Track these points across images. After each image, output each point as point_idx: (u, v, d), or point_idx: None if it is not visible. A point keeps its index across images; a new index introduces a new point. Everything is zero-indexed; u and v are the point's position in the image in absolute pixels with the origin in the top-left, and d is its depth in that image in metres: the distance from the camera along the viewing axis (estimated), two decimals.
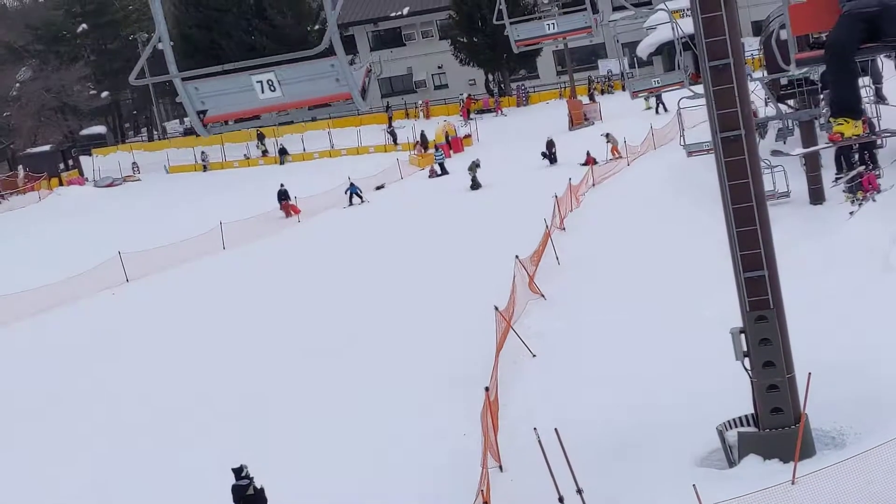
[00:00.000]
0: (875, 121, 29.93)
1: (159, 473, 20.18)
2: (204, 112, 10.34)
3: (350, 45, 76.84)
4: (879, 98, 31.91)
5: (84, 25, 77.89)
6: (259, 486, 16.04)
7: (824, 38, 12.22)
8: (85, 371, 27.73)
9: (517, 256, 27.29)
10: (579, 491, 14.14)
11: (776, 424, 15.79)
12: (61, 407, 25.10)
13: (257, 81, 9.80)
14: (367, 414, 21.49)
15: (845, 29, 10.49)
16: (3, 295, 34.11)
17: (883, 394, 16.93)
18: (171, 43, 10.27)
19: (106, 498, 19.71)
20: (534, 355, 23.18)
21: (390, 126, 67.74)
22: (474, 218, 38.82)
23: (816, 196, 33.06)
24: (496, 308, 23.37)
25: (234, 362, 26.22)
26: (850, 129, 11.02)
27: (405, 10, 76.57)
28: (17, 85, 70.60)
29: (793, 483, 14.73)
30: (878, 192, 29.17)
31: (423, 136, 57.62)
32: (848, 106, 10.98)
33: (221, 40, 71.58)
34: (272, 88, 9.74)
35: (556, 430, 14.37)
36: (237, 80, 10.10)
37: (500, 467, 17.57)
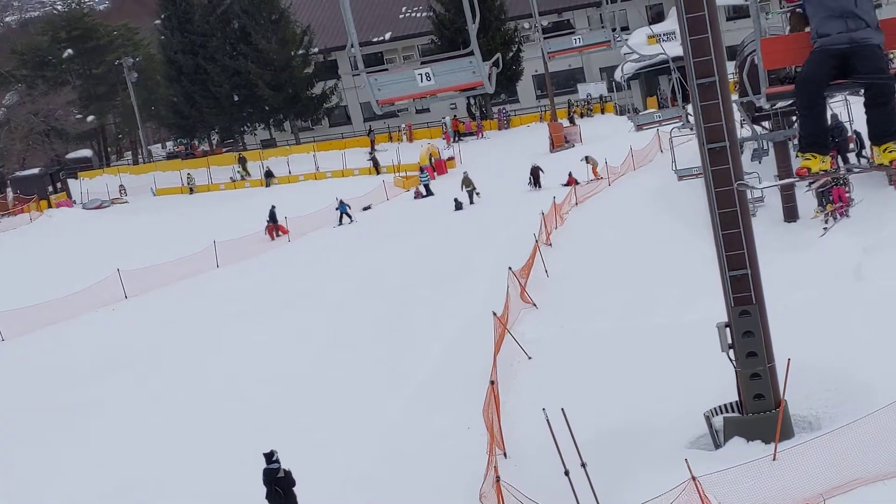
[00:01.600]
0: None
1: (174, 474, 21.44)
2: (378, 99, 13.07)
3: (332, 71, 78.30)
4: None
5: (70, 51, 79.05)
6: (287, 469, 17.38)
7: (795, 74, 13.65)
8: (95, 382, 28.75)
9: (510, 268, 28.75)
10: (583, 465, 15.57)
11: (758, 409, 17.37)
12: (76, 415, 26.22)
13: (418, 74, 12.85)
14: (374, 412, 22.90)
15: (816, 65, 10.42)
16: (5, 311, 35.21)
17: (853, 385, 18.56)
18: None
19: None
20: (529, 357, 24.65)
21: (372, 150, 69.23)
22: (463, 235, 40.18)
23: (791, 214, 34.61)
24: (494, 314, 24.86)
25: (242, 371, 27.44)
26: (818, 164, 10.81)
27: (387, 36, 78.07)
28: (4, 110, 71.69)
29: (774, 459, 16.29)
30: (849, 206, 30.81)
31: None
32: (816, 141, 10.85)
33: (207, 65, 73.04)
34: (428, 79, 12.77)
35: (562, 409, 15.79)
36: (403, 74, 13.12)
37: (505, 454, 18.96)
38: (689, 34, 16.13)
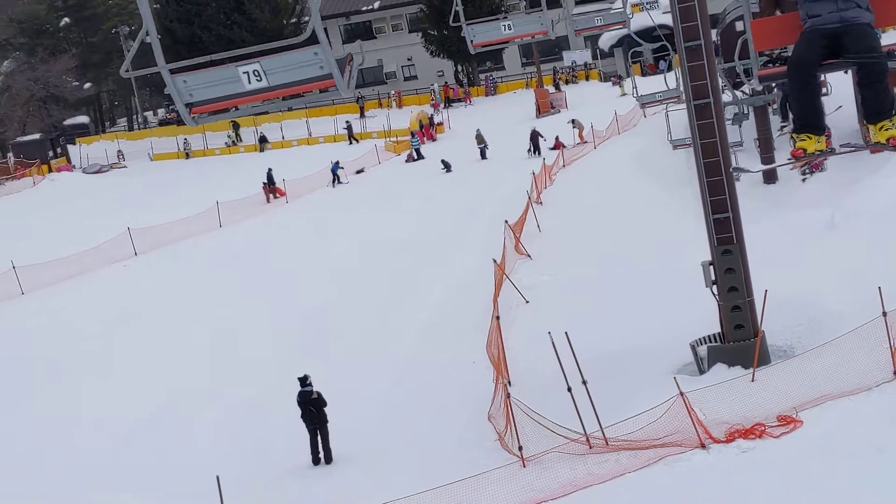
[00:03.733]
0: None
1: (184, 427, 22.99)
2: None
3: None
4: None
5: (66, 19, 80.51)
6: (318, 391, 19.40)
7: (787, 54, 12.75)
8: (112, 334, 30.49)
9: (506, 221, 30.75)
10: (584, 382, 17.56)
11: (739, 338, 19.46)
12: (99, 358, 28.10)
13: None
14: (383, 351, 24.93)
15: (807, 45, 10.27)
16: (26, 265, 37.01)
17: (823, 318, 20.62)
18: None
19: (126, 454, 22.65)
20: (527, 301, 26.69)
21: (362, 116, 71.01)
22: (457, 194, 42.15)
23: (770, 176, 36.54)
24: (494, 261, 26.89)
25: (254, 322, 29.23)
26: (813, 144, 10.69)
27: (376, 5, 79.69)
28: (2, 77, 73.02)
29: (752, 381, 18.39)
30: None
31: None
32: (810, 122, 10.67)
33: (202, 33, 74.55)
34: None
35: (566, 333, 17.78)
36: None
37: (509, 382, 20.96)
38: (678, 1, 18.07)
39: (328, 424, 19.45)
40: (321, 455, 19.44)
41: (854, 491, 14.34)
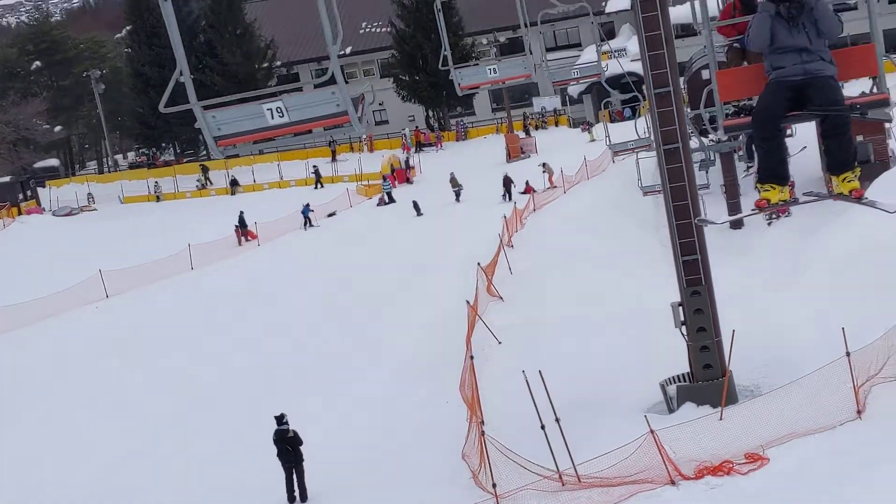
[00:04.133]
0: None
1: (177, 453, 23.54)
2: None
3: (296, 82, 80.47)
4: None
5: (38, 63, 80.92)
6: (294, 430, 19.67)
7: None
8: (87, 373, 30.61)
9: (479, 264, 31.19)
10: (557, 420, 17.93)
11: (707, 377, 19.91)
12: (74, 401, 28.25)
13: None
14: (356, 390, 25.25)
15: (772, 97, 10.42)
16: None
17: (790, 357, 21.13)
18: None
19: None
20: (499, 342, 27.05)
21: (334, 160, 71.54)
22: (429, 238, 42.55)
23: (736, 223, 37.19)
24: (467, 302, 27.28)
25: (227, 361, 29.47)
26: (777, 194, 10.86)
27: (348, 50, 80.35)
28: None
29: (720, 419, 18.80)
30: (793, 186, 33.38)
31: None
32: (774, 172, 10.81)
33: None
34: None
35: (539, 371, 18.16)
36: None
37: (482, 422, 21.24)
38: (648, 50, 18.66)
39: (303, 463, 19.68)
40: (296, 493, 19.68)
41: None
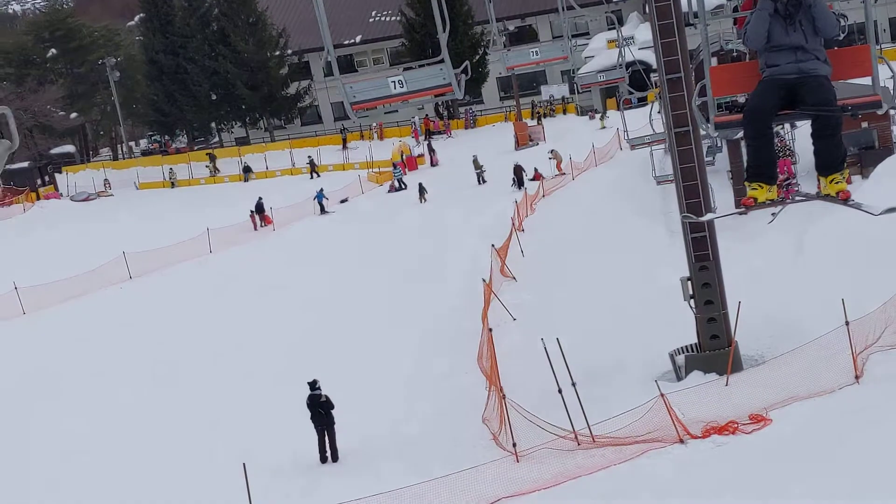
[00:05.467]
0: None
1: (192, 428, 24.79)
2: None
3: (306, 72, 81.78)
4: None
5: (53, 50, 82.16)
6: (327, 395, 20.92)
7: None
8: (116, 351, 31.84)
9: (493, 245, 32.40)
10: (573, 384, 19.16)
11: (714, 347, 21.15)
12: (102, 380, 29.35)
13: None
14: (384, 363, 26.40)
15: (764, 95, 10.32)
16: (27, 287, 38.45)
17: (793, 328, 22.30)
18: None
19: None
20: (514, 318, 28.27)
21: (344, 147, 72.77)
22: (442, 222, 43.77)
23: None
24: (483, 280, 28.49)
25: (261, 335, 30.71)
26: (764, 194, 10.78)
27: (358, 38, 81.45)
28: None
29: (726, 385, 20.04)
30: (794, 176, 34.23)
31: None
32: (763, 171, 10.74)
33: (187, 65, 76.35)
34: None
35: (557, 339, 19.37)
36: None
37: (501, 390, 22.46)
38: (661, 38, 19.83)
39: (335, 426, 20.94)
40: (328, 454, 20.93)
41: (819, 478, 15.90)
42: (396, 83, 13.65)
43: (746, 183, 10.84)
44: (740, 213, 11.74)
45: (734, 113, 10.90)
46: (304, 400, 21.08)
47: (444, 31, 13.26)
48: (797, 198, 12.57)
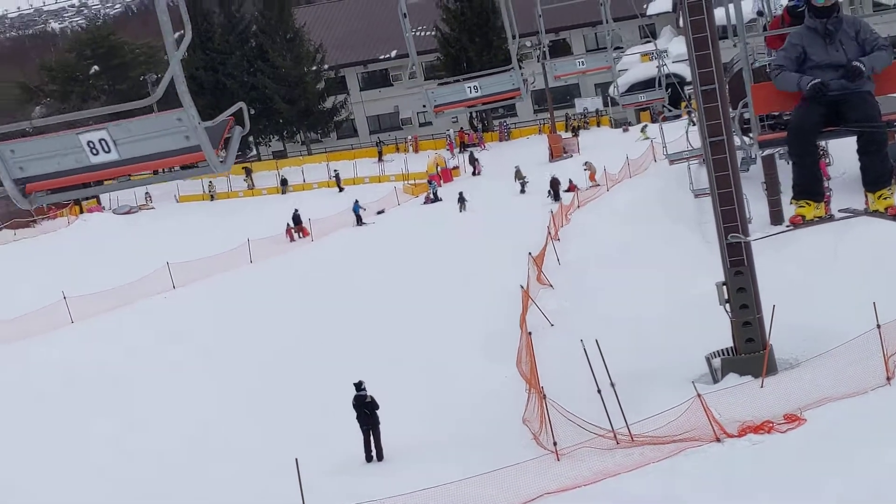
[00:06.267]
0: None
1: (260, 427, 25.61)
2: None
3: (342, 86, 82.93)
4: None
5: (96, 67, 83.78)
6: (372, 395, 21.63)
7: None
8: (159, 357, 32.74)
9: (530, 253, 33.06)
10: (612, 384, 19.78)
11: (749, 350, 21.70)
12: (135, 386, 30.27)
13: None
14: (426, 367, 27.10)
15: (807, 112, 10.22)
16: (75, 297, 39.43)
17: (827, 332, 22.79)
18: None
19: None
20: (552, 325, 28.90)
21: (380, 160, 73.74)
22: (479, 231, 44.50)
23: (776, 218, 38.59)
24: (521, 286, 29.16)
25: (311, 337, 31.61)
26: (812, 211, 10.78)
27: (393, 53, 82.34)
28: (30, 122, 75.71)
29: (761, 387, 20.59)
30: (829, 179, 34.57)
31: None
32: (809, 188, 10.72)
33: (226, 80, 77.64)
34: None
35: (596, 341, 20.01)
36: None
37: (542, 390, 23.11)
38: (695, 50, 20.47)
39: (380, 426, 21.64)
40: (374, 453, 21.64)
41: (853, 476, 16.46)
42: (471, 88, 14.90)
43: (793, 201, 10.91)
44: (788, 231, 11.72)
45: (777, 130, 11.08)
46: (350, 401, 21.79)
47: (514, 41, 14.70)
48: (845, 214, 12.09)
